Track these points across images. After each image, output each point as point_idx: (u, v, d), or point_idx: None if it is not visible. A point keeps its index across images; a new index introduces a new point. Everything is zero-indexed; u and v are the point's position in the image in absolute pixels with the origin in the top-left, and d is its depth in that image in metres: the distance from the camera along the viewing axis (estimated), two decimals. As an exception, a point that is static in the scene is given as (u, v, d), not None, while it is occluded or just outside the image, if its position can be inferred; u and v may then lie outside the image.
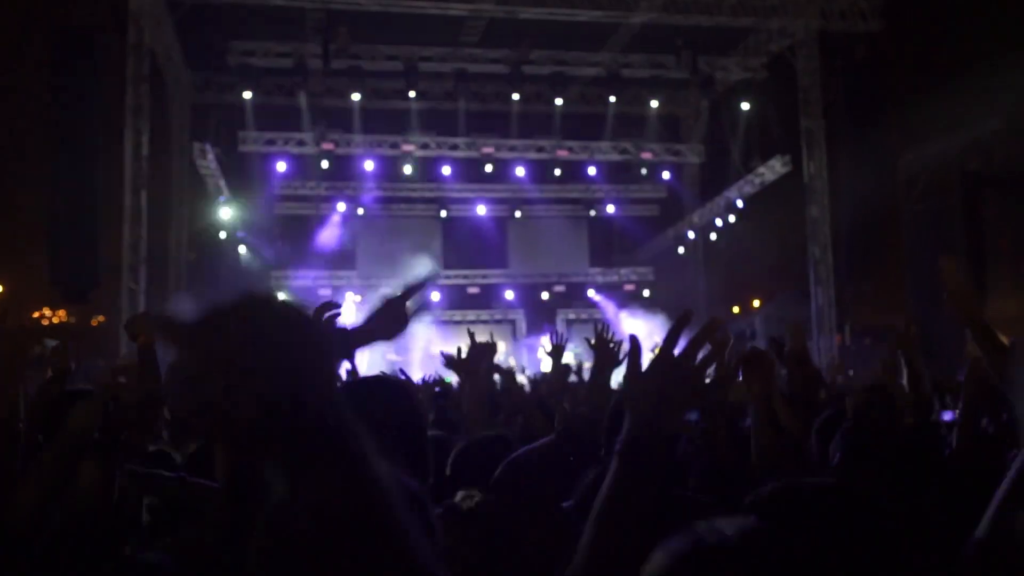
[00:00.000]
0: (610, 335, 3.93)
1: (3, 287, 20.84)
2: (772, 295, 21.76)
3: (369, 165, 20.75)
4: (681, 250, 23.76)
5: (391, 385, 2.44)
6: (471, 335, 4.61)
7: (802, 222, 18.03)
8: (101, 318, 20.57)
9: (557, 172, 21.40)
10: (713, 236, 22.42)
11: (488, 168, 20.75)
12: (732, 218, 21.02)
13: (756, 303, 22.19)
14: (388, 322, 2.23)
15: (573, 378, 5.75)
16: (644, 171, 21.93)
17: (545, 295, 23.83)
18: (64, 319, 23.18)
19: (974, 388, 3.31)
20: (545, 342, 18.71)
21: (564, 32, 17.99)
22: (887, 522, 1.59)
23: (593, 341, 3.98)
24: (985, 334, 2.79)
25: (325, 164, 20.04)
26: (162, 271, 18.14)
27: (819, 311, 17.36)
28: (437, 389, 6.72)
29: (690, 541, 1.08)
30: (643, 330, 18.88)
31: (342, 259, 22.64)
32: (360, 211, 22.24)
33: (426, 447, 2.19)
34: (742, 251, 21.39)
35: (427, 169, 21.21)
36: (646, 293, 24.08)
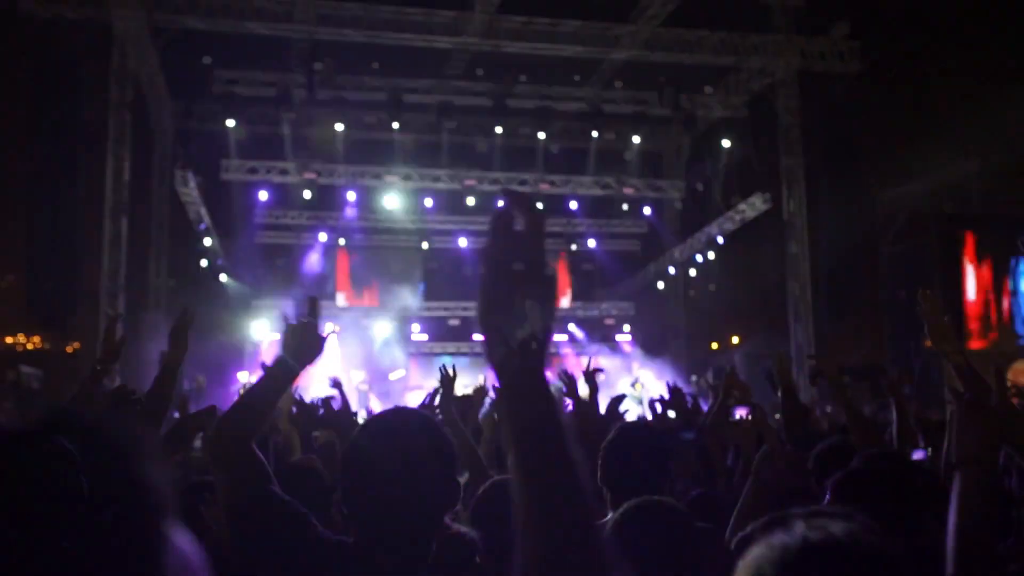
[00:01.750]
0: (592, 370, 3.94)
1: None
2: (752, 331, 21.84)
3: (351, 196, 20.81)
4: (661, 285, 23.83)
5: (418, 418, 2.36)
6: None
7: (782, 259, 18.15)
8: (77, 344, 20.34)
9: (539, 206, 21.49)
10: (693, 272, 22.54)
11: (470, 201, 20.80)
12: (712, 254, 21.15)
13: (735, 339, 22.25)
14: (302, 349, 2.26)
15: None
16: (625, 206, 22.13)
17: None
18: (39, 345, 22.91)
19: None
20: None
21: (548, 67, 18.18)
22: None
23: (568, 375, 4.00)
24: (965, 370, 2.81)
25: (308, 194, 20.08)
26: (141, 298, 18.00)
27: (798, 348, 17.41)
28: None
29: (794, 538, 1.07)
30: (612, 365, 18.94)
31: (323, 289, 22.53)
32: (341, 241, 22.22)
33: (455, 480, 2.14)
34: (722, 287, 21.50)
35: (410, 201, 21.24)
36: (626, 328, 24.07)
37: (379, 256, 22.76)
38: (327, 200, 20.86)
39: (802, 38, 17.47)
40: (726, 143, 19.86)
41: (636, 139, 21.10)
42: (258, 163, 19.57)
